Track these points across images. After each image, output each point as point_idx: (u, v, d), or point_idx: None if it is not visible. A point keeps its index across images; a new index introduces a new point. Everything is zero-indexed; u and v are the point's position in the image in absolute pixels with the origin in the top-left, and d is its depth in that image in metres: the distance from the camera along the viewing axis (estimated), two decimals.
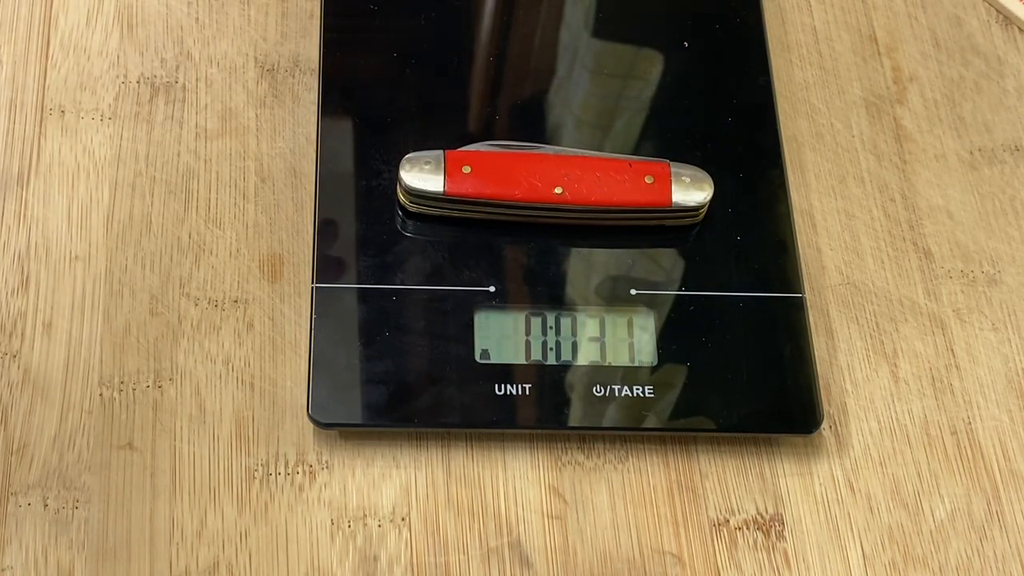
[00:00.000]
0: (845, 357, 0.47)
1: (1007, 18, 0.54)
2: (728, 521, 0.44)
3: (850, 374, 0.46)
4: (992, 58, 0.53)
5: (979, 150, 0.51)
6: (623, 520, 0.43)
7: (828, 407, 0.46)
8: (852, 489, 0.44)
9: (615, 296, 0.45)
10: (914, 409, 0.46)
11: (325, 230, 0.45)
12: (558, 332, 0.44)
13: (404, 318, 0.44)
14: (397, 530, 0.42)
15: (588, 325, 0.45)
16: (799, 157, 0.50)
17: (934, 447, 0.46)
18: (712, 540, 0.43)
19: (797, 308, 0.46)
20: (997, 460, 0.45)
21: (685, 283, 0.46)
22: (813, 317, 0.47)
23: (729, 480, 0.44)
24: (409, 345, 0.43)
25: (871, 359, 0.47)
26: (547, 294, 0.45)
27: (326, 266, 0.44)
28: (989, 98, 0.52)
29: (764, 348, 0.45)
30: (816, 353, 0.45)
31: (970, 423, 0.46)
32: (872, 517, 0.44)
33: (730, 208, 0.47)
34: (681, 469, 0.44)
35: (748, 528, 0.43)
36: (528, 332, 0.44)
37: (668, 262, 0.46)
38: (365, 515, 0.42)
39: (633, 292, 0.45)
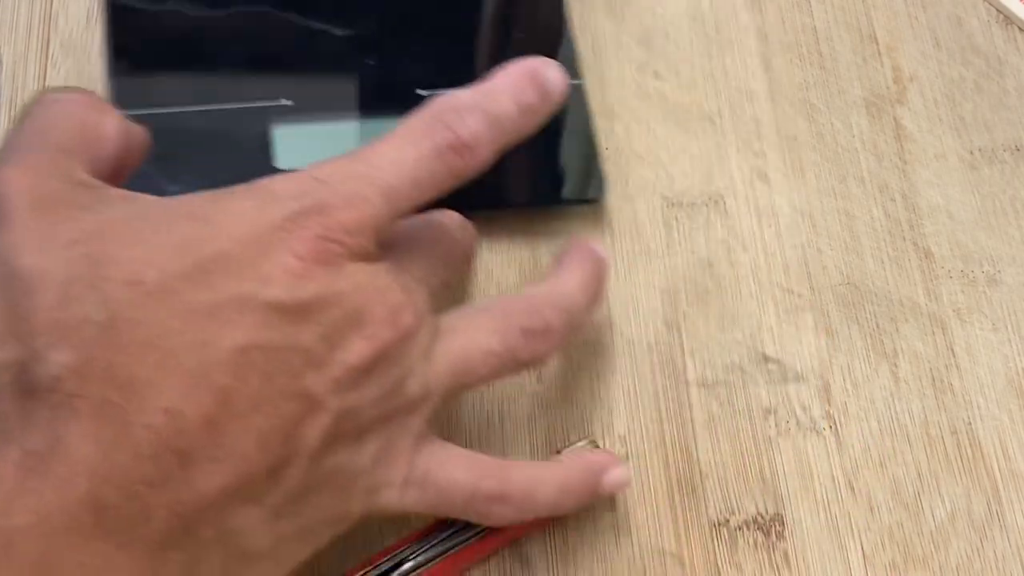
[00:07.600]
0: (845, 357, 0.47)
1: (1007, 18, 0.54)
2: (728, 521, 0.43)
3: (850, 374, 0.46)
4: (992, 58, 0.53)
5: (979, 150, 0.51)
6: (623, 520, 0.43)
7: (828, 407, 0.45)
8: (852, 489, 0.44)
9: (406, 99, 0.43)
10: (914, 409, 0.46)
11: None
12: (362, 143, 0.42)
13: (196, 145, 0.42)
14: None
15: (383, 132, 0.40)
16: (799, 157, 0.50)
17: (934, 447, 0.45)
18: (712, 540, 0.43)
19: (577, 92, 0.47)
20: (997, 460, 0.45)
21: (468, 77, 0.40)
22: (814, 317, 0.47)
23: (729, 480, 0.44)
24: (206, 173, 0.41)
25: (871, 359, 0.47)
26: (346, 103, 0.44)
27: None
28: (989, 98, 0.52)
29: (544, 129, 0.40)
30: (813, 349, 0.45)
31: (970, 423, 0.46)
32: (872, 517, 0.44)
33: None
34: (681, 469, 0.44)
35: (748, 528, 0.43)
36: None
37: (450, 57, 0.47)
38: None
39: (421, 92, 0.46)
